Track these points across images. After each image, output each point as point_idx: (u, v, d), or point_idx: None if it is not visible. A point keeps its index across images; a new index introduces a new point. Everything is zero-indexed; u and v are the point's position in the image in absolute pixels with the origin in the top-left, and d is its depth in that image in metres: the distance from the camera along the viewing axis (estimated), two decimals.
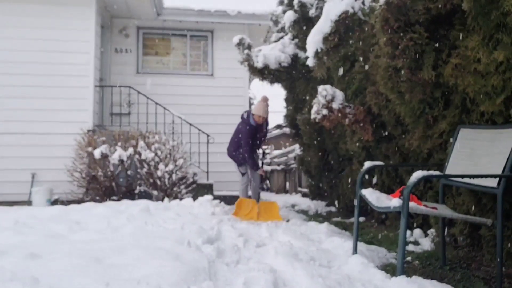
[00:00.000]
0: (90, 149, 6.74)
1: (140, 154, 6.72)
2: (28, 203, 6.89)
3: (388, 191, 4.03)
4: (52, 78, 7.51)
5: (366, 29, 4.46)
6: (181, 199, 6.53)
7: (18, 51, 7.48)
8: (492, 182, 2.46)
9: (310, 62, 5.16)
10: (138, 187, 6.84)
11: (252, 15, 9.17)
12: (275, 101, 30.60)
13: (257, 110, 5.53)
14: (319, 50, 4.92)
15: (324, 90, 4.55)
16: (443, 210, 2.70)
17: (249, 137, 5.41)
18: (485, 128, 2.77)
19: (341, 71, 4.85)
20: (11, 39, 7.49)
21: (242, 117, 5.65)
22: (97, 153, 6.59)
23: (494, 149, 2.58)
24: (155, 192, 6.72)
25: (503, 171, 2.42)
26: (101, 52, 8.47)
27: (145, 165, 6.70)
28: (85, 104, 7.57)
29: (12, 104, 7.33)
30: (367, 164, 3.10)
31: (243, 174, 5.72)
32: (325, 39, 4.80)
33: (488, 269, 2.79)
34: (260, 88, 74.61)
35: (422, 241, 3.65)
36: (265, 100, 5.65)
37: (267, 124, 5.80)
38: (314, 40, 4.92)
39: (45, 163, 7.27)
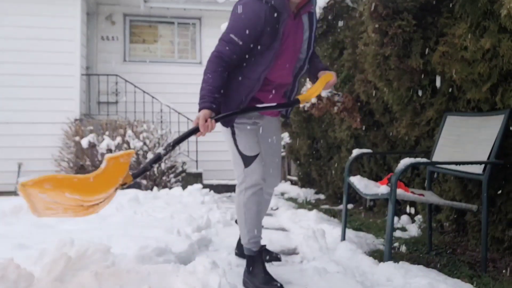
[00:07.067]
0: (77, 138, 6.67)
1: (128, 143, 6.66)
2: (15, 193, 6.81)
3: (376, 178, 4.06)
4: (37, 66, 7.37)
5: (355, 15, 4.44)
6: (170, 188, 6.51)
7: (1, 39, 7.31)
8: (478, 169, 2.49)
9: None
10: None
11: None
12: None
13: None
14: None
15: None
16: (430, 197, 2.74)
17: (250, 36, 2.05)
18: (472, 116, 2.80)
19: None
20: None
21: None
22: (84, 143, 6.52)
23: (480, 136, 2.61)
24: (144, 181, 6.69)
25: (488, 158, 2.46)
26: (87, 39, 8.33)
27: (134, 155, 6.65)
28: (72, 92, 7.47)
29: None
30: (356, 151, 3.12)
31: (247, 160, 2.24)
32: None
33: (473, 253, 2.84)
34: None
35: (409, 227, 3.70)
36: None
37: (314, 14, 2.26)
38: None
39: (32, 152, 7.18)
